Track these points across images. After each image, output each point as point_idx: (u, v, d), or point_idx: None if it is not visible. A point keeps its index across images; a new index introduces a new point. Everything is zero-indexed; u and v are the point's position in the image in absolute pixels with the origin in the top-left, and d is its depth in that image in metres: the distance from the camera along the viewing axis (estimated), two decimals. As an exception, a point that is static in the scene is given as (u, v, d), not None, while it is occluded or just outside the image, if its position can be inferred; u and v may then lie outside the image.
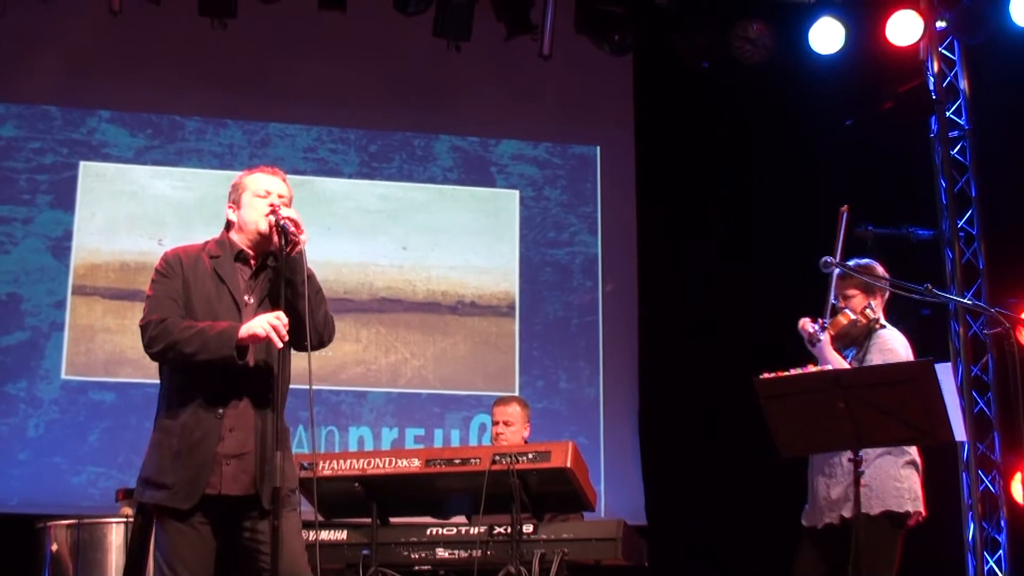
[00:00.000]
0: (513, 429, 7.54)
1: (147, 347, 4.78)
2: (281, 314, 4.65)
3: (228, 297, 4.84)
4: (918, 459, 5.95)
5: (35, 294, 9.34)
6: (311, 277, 4.78)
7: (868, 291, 6.11)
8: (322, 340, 4.92)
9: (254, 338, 4.63)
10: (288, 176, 5.19)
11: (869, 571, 5.40)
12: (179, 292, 4.84)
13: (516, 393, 9.55)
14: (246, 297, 4.86)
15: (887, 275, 6.18)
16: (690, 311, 10.17)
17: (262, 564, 4.72)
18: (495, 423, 7.65)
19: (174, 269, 4.88)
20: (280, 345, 4.63)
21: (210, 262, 4.90)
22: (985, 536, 9.58)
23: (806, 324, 5.91)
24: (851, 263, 6.12)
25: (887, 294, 6.19)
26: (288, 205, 4.96)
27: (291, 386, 4.99)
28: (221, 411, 4.71)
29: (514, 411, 7.62)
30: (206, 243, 5.01)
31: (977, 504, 9.60)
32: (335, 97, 10.06)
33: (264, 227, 4.83)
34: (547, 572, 6.04)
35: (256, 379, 4.75)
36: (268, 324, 4.61)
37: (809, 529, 6.00)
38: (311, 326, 4.76)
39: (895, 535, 5.82)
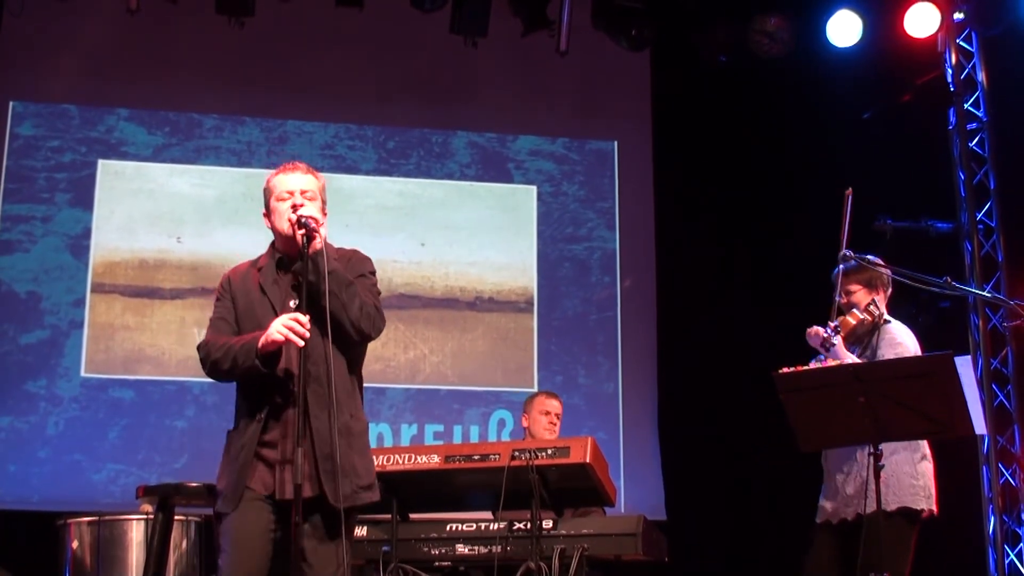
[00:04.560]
0: (558, 426, 7.66)
1: (203, 370, 4.92)
2: (298, 315, 4.65)
3: (267, 304, 4.87)
4: (930, 455, 5.93)
5: (54, 292, 9.38)
6: (332, 272, 4.75)
7: (870, 286, 6.08)
8: (362, 332, 4.87)
9: (273, 344, 4.64)
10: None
11: (886, 568, 5.39)
12: (230, 311, 4.94)
13: (535, 389, 9.56)
14: (291, 303, 4.85)
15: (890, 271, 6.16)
16: (709, 306, 10.17)
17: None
18: (546, 413, 7.71)
19: (225, 289, 5.01)
20: (301, 344, 4.63)
21: (257, 274, 4.96)
22: (1006, 530, 9.55)
23: (817, 330, 5.87)
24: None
25: (890, 289, 6.16)
26: (315, 197, 4.96)
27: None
28: (262, 416, 4.75)
29: (560, 406, 7.76)
30: (259, 256, 5.06)
31: (997, 498, 9.57)
32: (352, 94, 10.08)
33: (289, 230, 4.84)
34: (567, 568, 6.05)
35: (304, 379, 4.71)
36: (284, 327, 4.62)
37: (824, 524, 5.98)
38: (348, 321, 4.78)
39: (910, 532, 5.80)
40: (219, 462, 4.89)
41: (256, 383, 4.75)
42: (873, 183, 9.31)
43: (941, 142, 10.22)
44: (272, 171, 5.12)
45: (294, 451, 4.61)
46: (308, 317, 4.66)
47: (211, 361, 4.81)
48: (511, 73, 10.27)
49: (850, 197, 5.98)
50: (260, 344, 4.65)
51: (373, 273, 5.09)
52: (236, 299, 4.94)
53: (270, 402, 4.76)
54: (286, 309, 4.84)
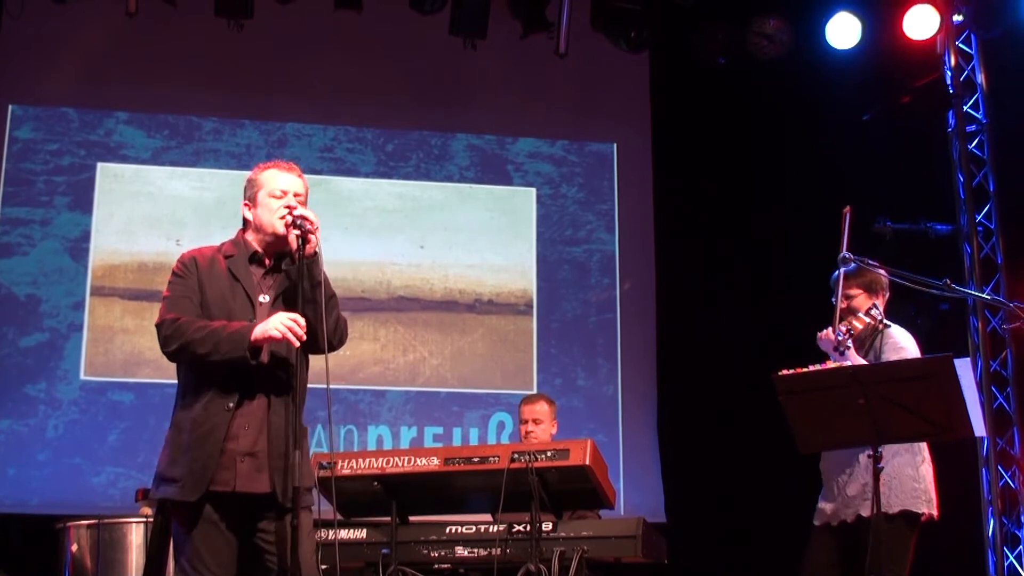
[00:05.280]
0: (542, 427, 7.57)
1: (162, 347, 4.79)
2: (298, 316, 4.65)
3: (243, 295, 4.83)
4: (929, 459, 5.93)
5: (54, 295, 9.38)
6: (325, 283, 4.76)
7: (870, 290, 6.08)
8: (331, 345, 4.85)
9: (270, 339, 4.63)
10: (305, 176, 5.12)
11: (885, 571, 5.38)
12: (195, 291, 4.84)
13: (534, 391, 9.56)
14: (261, 297, 4.84)
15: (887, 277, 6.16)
16: (708, 308, 10.17)
17: (269, 564, 4.72)
18: (524, 421, 7.66)
19: (189, 269, 4.88)
20: (297, 344, 4.62)
21: (225, 262, 4.89)
22: (1005, 532, 9.54)
23: (828, 333, 5.85)
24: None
25: (888, 294, 6.17)
26: (304, 203, 4.93)
27: (309, 385, 4.95)
28: (231, 405, 4.69)
29: (542, 409, 7.65)
30: (222, 244, 4.99)
31: (997, 500, 9.57)
32: (352, 96, 10.07)
33: (280, 229, 4.81)
34: (566, 570, 6.04)
35: (270, 376, 4.73)
36: (283, 324, 4.61)
37: (823, 526, 5.98)
38: (322, 333, 4.75)
39: (910, 535, 5.80)
40: None
41: (227, 372, 4.68)
42: (872, 185, 9.33)
43: (940, 144, 10.22)
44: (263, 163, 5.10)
45: (292, 454, 4.61)
46: (303, 319, 4.66)
47: (184, 341, 4.69)
48: (510, 75, 10.27)
49: (848, 215, 5.98)
50: (253, 337, 4.62)
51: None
52: (204, 283, 4.85)
53: (239, 392, 4.72)
54: (259, 303, 4.83)
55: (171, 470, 4.71)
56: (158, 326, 4.80)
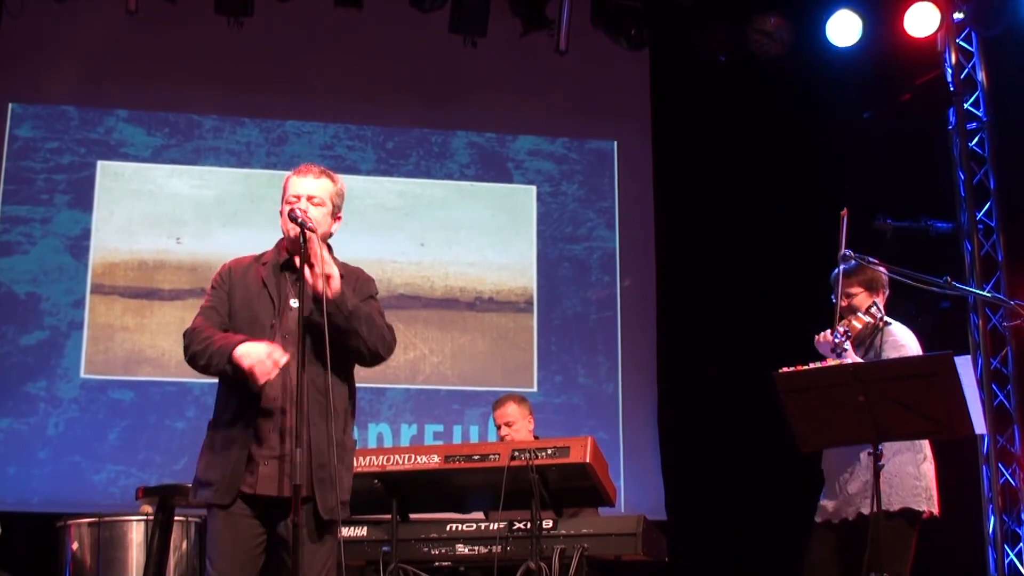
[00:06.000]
0: (516, 427, 7.58)
1: (184, 356, 4.90)
2: (277, 350, 4.65)
3: (267, 299, 4.90)
4: (931, 456, 5.93)
5: (54, 293, 9.37)
6: (354, 311, 4.80)
7: (871, 288, 6.07)
8: (377, 356, 4.97)
9: (240, 363, 4.63)
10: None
11: (886, 568, 5.38)
12: (223, 301, 4.95)
13: (535, 388, 9.59)
14: (292, 301, 4.87)
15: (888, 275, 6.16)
16: (708, 305, 10.17)
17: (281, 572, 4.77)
18: (498, 427, 7.69)
19: (223, 279, 5.01)
20: (261, 381, 4.63)
21: (261, 269, 4.98)
22: (1006, 529, 9.54)
23: (826, 335, 5.85)
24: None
25: (888, 291, 6.16)
26: (323, 203, 5.01)
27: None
28: (254, 410, 4.75)
29: (512, 410, 7.66)
30: (264, 252, 5.09)
31: (997, 497, 9.56)
32: (352, 94, 10.07)
33: (293, 233, 4.86)
34: (567, 568, 6.04)
35: (294, 384, 4.74)
36: (255, 359, 4.61)
37: (824, 524, 5.98)
38: (367, 351, 4.89)
39: (911, 533, 5.80)
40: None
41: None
42: (873, 183, 9.33)
43: (941, 142, 10.21)
44: (289, 171, 5.20)
45: (292, 451, 4.62)
46: (287, 357, 4.67)
47: (191, 352, 4.83)
48: (510, 73, 10.27)
49: (845, 218, 5.98)
50: (235, 354, 4.65)
51: (376, 294, 5.16)
52: (234, 290, 4.95)
53: (263, 399, 4.76)
54: (287, 308, 4.86)
55: (207, 474, 4.82)
56: (183, 336, 4.91)
